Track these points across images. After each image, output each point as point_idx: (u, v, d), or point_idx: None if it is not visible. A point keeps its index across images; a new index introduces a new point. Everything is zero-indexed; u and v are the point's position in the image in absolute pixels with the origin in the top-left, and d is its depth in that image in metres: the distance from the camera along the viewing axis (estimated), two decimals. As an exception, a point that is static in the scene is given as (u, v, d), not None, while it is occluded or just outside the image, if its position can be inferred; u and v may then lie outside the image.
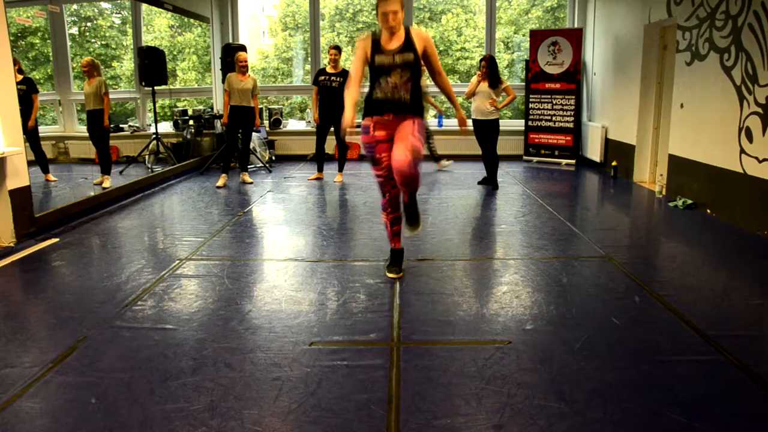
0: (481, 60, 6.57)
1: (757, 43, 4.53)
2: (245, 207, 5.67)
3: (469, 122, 6.90)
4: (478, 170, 7.36)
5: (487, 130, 6.51)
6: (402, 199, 3.49)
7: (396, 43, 3.20)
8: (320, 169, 7.30)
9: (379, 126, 3.25)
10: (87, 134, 6.52)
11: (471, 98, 6.63)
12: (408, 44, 3.19)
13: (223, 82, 7.10)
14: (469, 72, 13.04)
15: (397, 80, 3.18)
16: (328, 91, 6.79)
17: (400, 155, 3.08)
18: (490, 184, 6.67)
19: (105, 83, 6.30)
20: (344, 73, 6.66)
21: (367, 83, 3.31)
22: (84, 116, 6.67)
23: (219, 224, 4.92)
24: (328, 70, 6.82)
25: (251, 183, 7.00)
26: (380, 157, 3.28)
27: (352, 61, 3.33)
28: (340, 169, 7.20)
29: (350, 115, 3.08)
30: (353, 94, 3.17)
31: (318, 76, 6.88)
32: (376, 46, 3.23)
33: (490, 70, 6.40)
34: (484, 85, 6.43)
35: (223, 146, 8.22)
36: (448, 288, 3.37)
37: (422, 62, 3.27)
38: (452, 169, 7.97)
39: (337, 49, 6.81)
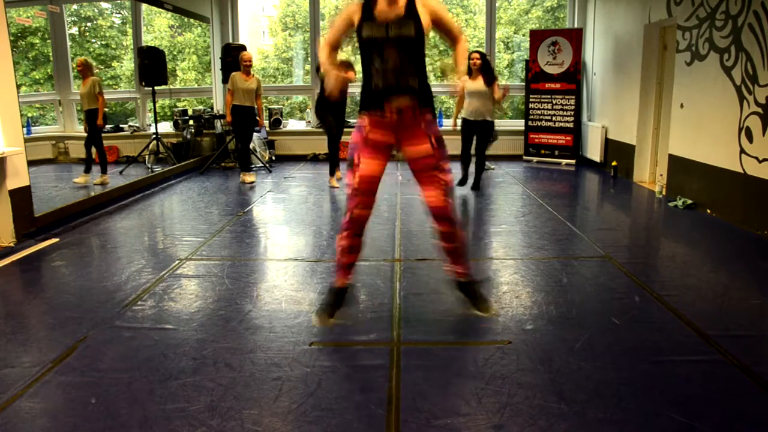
0: (471, 52, 6.01)
1: (757, 43, 4.53)
2: (245, 207, 5.67)
3: (464, 122, 6.30)
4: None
5: (482, 132, 6.17)
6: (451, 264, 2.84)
7: (393, 10, 2.48)
8: (332, 174, 6.88)
9: (375, 127, 2.58)
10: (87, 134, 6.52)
11: (463, 102, 6.18)
12: (409, 14, 2.47)
13: (224, 81, 7.09)
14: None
15: (397, 61, 2.47)
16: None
17: (438, 201, 2.65)
18: (475, 185, 6.35)
19: (99, 83, 6.31)
20: None
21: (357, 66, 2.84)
22: (83, 116, 6.67)
23: (219, 224, 4.91)
24: None
25: (251, 183, 7.00)
26: (359, 162, 2.58)
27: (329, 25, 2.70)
28: (332, 174, 6.88)
29: (333, 75, 2.58)
30: (329, 56, 2.62)
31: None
32: (368, 12, 2.51)
33: (483, 63, 5.99)
34: (480, 85, 6.01)
35: (223, 146, 8.24)
36: (448, 288, 3.36)
37: (427, 36, 2.57)
38: (452, 168, 7.94)
39: None
